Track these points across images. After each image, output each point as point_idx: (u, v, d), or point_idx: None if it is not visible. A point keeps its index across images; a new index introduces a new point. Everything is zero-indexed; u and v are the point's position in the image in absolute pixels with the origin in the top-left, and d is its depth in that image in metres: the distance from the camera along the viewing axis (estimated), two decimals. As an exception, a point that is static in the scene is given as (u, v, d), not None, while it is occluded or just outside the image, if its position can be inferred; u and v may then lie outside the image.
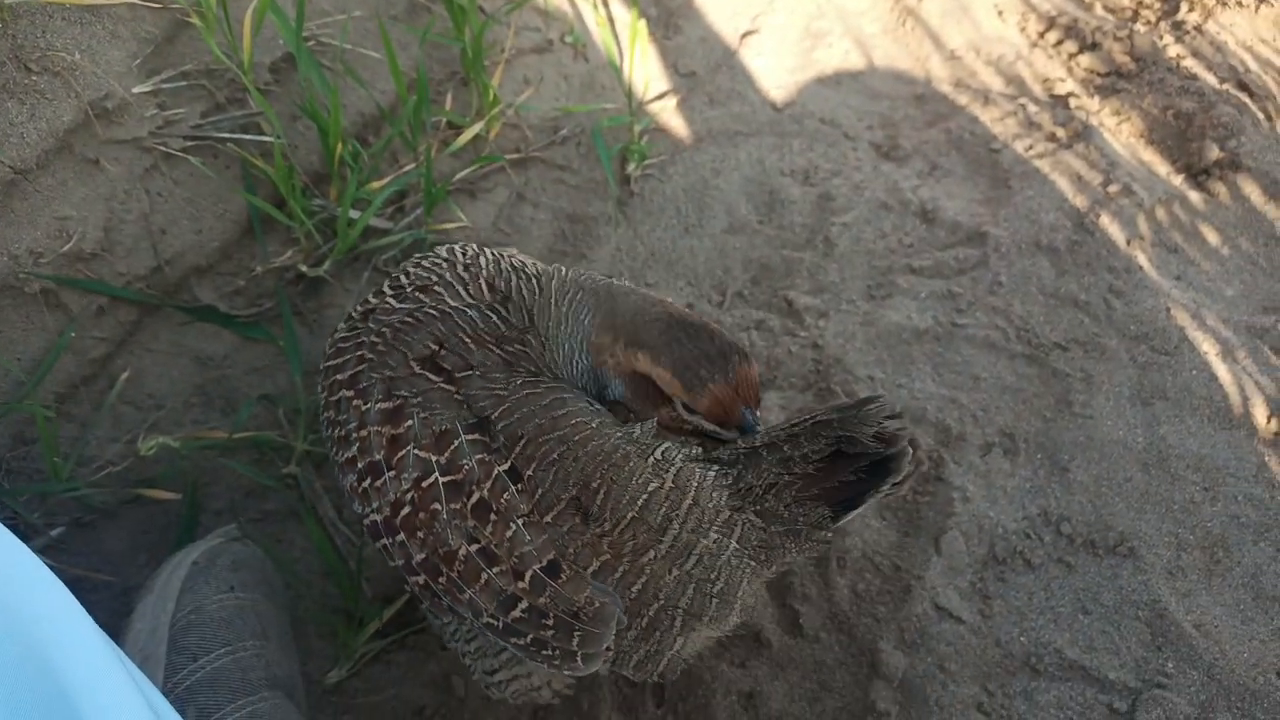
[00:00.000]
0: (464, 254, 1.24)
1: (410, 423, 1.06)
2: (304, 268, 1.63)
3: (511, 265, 1.23)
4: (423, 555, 1.05)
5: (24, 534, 1.38)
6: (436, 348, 1.11)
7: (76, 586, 1.30)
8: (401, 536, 1.06)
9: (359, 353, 1.14)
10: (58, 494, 1.40)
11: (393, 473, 1.05)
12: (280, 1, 1.60)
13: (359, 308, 1.21)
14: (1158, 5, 2.21)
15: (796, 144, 1.99)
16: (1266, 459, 1.56)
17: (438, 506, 1.03)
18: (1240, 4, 2.18)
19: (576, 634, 1.02)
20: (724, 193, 1.91)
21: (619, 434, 1.07)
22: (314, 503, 1.50)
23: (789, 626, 1.44)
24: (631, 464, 1.05)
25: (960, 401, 1.62)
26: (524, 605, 1.02)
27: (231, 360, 1.58)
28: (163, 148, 1.50)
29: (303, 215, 1.58)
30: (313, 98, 1.56)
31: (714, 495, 1.05)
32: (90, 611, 0.87)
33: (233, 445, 1.48)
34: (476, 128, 1.82)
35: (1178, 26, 2.16)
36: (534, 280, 1.21)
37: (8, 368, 1.38)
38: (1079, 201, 1.86)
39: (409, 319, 1.14)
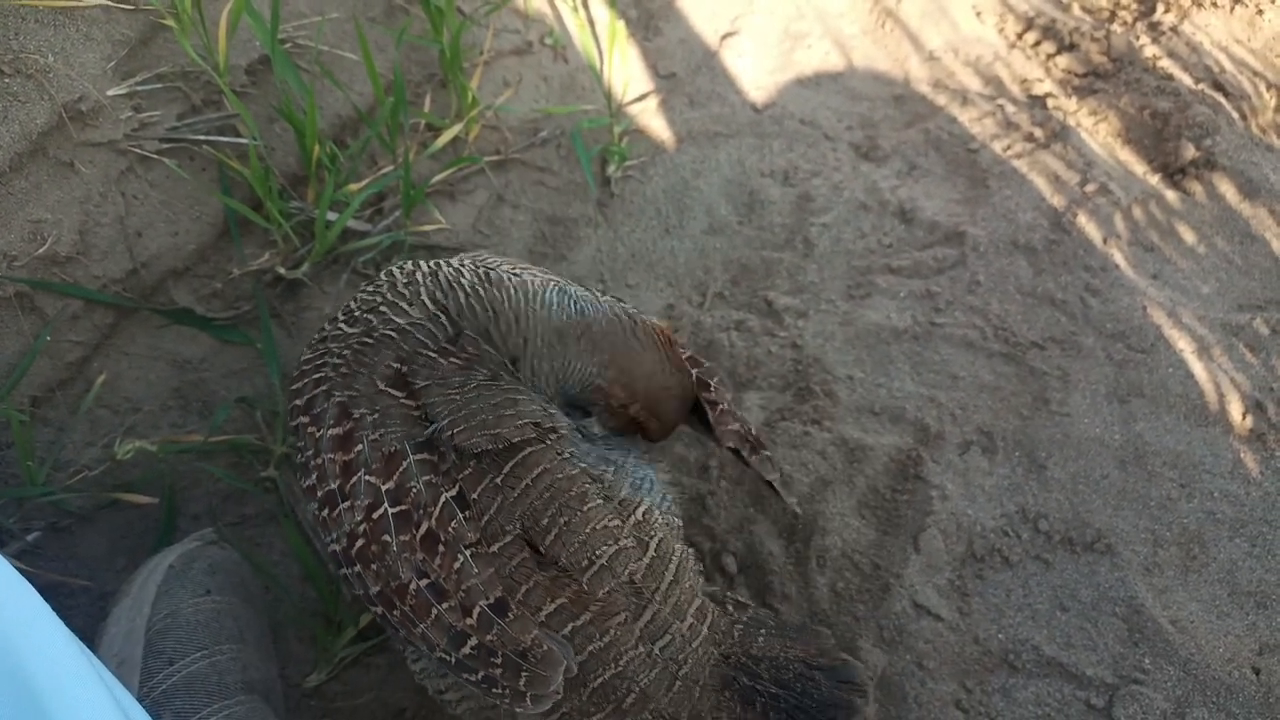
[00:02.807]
0: (401, 273, 1.20)
1: (360, 447, 1.03)
2: (282, 270, 1.62)
3: (453, 280, 1.17)
4: (378, 588, 1.03)
5: (-2, 539, 1.37)
6: (399, 366, 1.09)
7: (53, 591, 1.30)
8: (358, 568, 1.04)
9: (316, 376, 1.11)
10: (33, 499, 1.39)
11: (347, 503, 1.03)
12: (256, 3, 1.60)
13: (317, 335, 1.19)
14: (1134, 6, 2.22)
15: (776, 145, 2.00)
16: (1242, 455, 1.58)
17: (388, 538, 1.01)
18: (1215, 4, 2.20)
19: (524, 674, 0.99)
20: (704, 194, 1.92)
21: (579, 464, 1.06)
22: (292, 506, 1.49)
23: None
24: (591, 508, 1.04)
25: (938, 400, 1.63)
26: (473, 642, 1.00)
27: (209, 363, 1.57)
28: (138, 150, 1.49)
29: (280, 218, 1.58)
30: (289, 100, 1.56)
31: (692, 576, 1.06)
32: (67, 616, 0.87)
33: (210, 449, 1.48)
34: (455, 129, 1.82)
35: (1154, 27, 2.17)
36: (485, 294, 1.15)
37: (-19, 372, 1.37)
38: (1056, 201, 1.87)
39: (366, 339, 1.12)
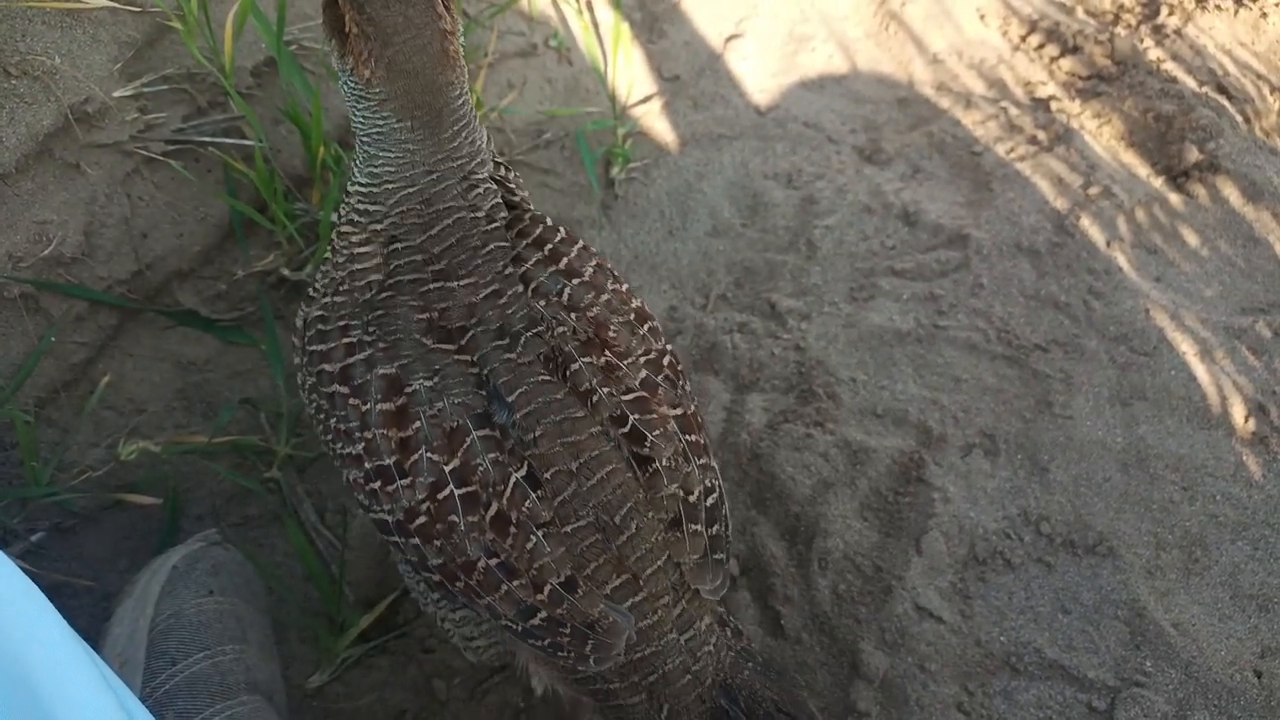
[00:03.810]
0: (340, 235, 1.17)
1: (418, 424, 1.01)
2: (286, 271, 1.63)
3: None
4: (439, 561, 1.03)
5: (3, 539, 1.38)
6: (427, 315, 1.06)
7: (57, 592, 1.30)
8: (416, 541, 1.04)
9: (346, 341, 1.07)
10: (38, 499, 1.39)
11: (406, 480, 1.02)
12: (261, 5, 1.60)
13: (319, 290, 1.16)
14: (1138, 9, 2.23)
15: (780, 147, 2.00)
16: (1244, 458, 1.57)
17: (455, 519, 1.01)
18: (1219, 7, 2.20)
19: (590, 642, 1.03)
20: (707, 196, 1.92)
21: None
22: (296, 507, 1.50)
23: (770, 628, 1.44)
24: (654, 515, 1.06)
25: (941, 403, 1.63)
26: (543, 615, 1.02)
27: (213, 364, 1.58)
28: (144, 152, 1.50)
29: (284, 219, 1.58)
30: (294, 101, 1.56)
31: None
32: (71, 617, 0.87)
33: (214, 449, 1.48)
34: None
35: (1158, 30, 2.17)
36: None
37: (-13, 372, 1.38)
38: (1060, 204, 1.87)
39: (370, 292, 1.09)
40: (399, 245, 1.11)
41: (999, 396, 1.64)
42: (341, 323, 1.09)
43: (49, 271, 1.42)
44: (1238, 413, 1.61)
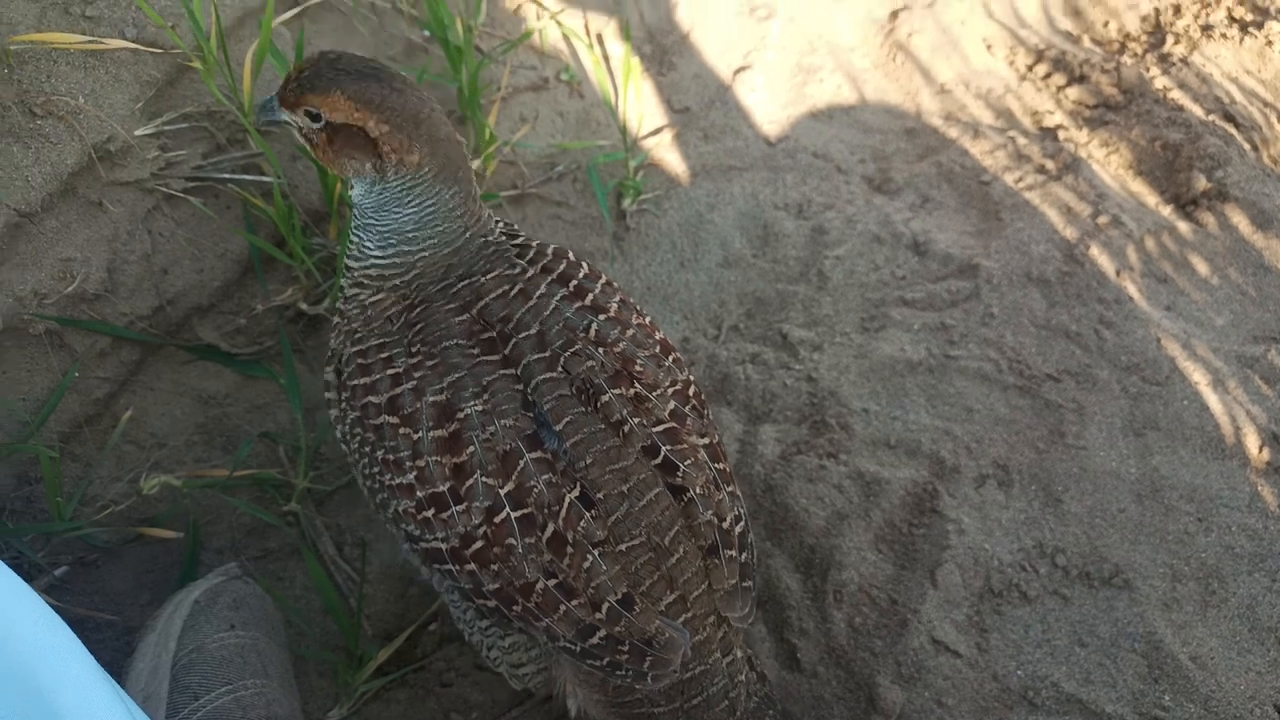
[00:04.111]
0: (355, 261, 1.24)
1: (472, 448, 1.03)
2: (304, 305, 1.64)
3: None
4: (496, 586, 1.05)
5: (27, 573, 1.39)
6: (468, 314, 1.11)
7: (80, 626, 1.31)
8: (472, 566, 1.05)
9: (390, 371, 1.10)
10: (61, 533, 1.41)
11: (461, 505, 1.04)
12: (279, 44, 1.63)
13: (346, 320, 1.19)
14: (1144, 38, 2.25)
15: (790, 178, 2.02)
16: (1260, 489, 1.58)
17: (512, 541, 1.03)
18: (1225, 36, 2.22)
19: (648, 658, 1.06)
20: (718, 227, 1.94)
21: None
22: (314, 540, 1.51)
23: (786, 661, 1.44)
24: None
25: (954, 433, 1.64)
26: (601, 634, 1.05)
27: (233, 398, 1.59)
28: (164, 189, 1.52)
29: (302, 254, 1.60)
30: (313, 139, 1.58)
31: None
32: (94, 651, 0.89)
33: (234, 483, 1.50)
34: (473, 165, 1.84)
35: (1164, 59, 2.19)
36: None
37: (12, 408, 1.39)
38: (1069, 233, 1.88)
39: (408, 307, 1.14)
40: (421, 282, 1.16)
41: (1012, 427, 1.65)
42: (384, 354, 1.11)
43: (73, 308, 1.44)
44: (1251, 443, 1.62)
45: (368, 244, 1.19)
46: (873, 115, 2.15)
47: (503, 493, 1.03)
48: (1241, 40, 2.22)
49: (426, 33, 1.87)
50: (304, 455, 1.53)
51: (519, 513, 1.02)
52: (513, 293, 1.13)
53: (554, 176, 1.95)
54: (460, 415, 1.04)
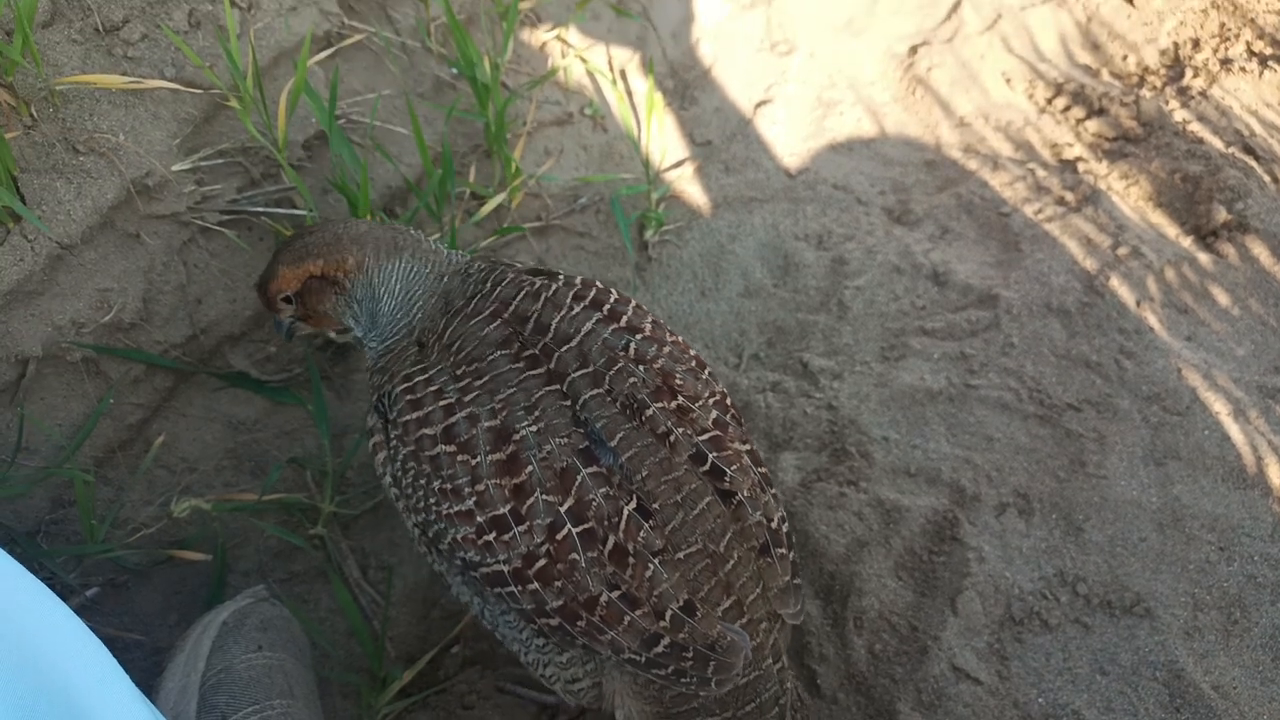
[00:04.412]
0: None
1: (530, 469, 1.07)
2: (332, 334, 1.68)
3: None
4: (559, 603, 1.08)
5: (60, 594, 1.42)
6: (501, 317, 1.18)
7: (109, 645, 1.34)
8: (535, 585, 1.08)
9: (442, 403, 1.13)
10: (93, 555, 1.44)
11: (523, 525, 1.07)
12: (313, 83, 1.69)
13: (383, 372, 1.26)
14: (1163, 71, 2.26)
15: (810, 209, 2.04)
16: (1282, 518, 1.57)
17: (575, 556, 1.06)
18: (1244, 70, 2.23)
19: (712, 663, 1.09)
20: (739, 257, 1.96)
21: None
22: (340, 563, 1.54)
23: (806, 687, 1.45)
24: (749, 546, 1.14)
25: (974, 462, 1.64)
26: (666, 641, 1.07)
27: (262, 424, 1.63)
28: (200, 222, 1.57)
29: (332, 284, 1.64)
30: (343, 172, 1.63)
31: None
32: (124, 671, 0.91)
33: (262, 507, 1.53)
34: (499, 198, 1.88)
35: (1183, 92, 2.21)
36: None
37: (49, 433, 1.44)
38: (1089, 264, 1.89)
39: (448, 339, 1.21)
40: (425, 325, 1.27)
41: (1032, 456, 1.65)
42: (432, 386, 1.16)
43: (109, 337, 1.48)
44: (1273, 473, 1.61)
45: (381, 339, 1.31)
46: (892, 148, 2.18)
47: (563, 509, 1.06)
48: (1260, 74, 2.23)
49: (455, 70, 1.93)
50: (330, 480, 1.56)
51: (580, 528, 1.06)
52: (541, 298, 1.18)
53: (578, 208, 1.99)
54: (516, 437, 1.08)
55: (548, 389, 1.11)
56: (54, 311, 1.42)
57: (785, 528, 1.18)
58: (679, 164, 2.13)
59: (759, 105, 2.24)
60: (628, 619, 1.06)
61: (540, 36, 2.14)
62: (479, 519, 1.09)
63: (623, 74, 2.18)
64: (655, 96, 2.04)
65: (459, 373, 1.15)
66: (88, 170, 1.45)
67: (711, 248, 1.98)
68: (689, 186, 2.09)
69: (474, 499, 1.09)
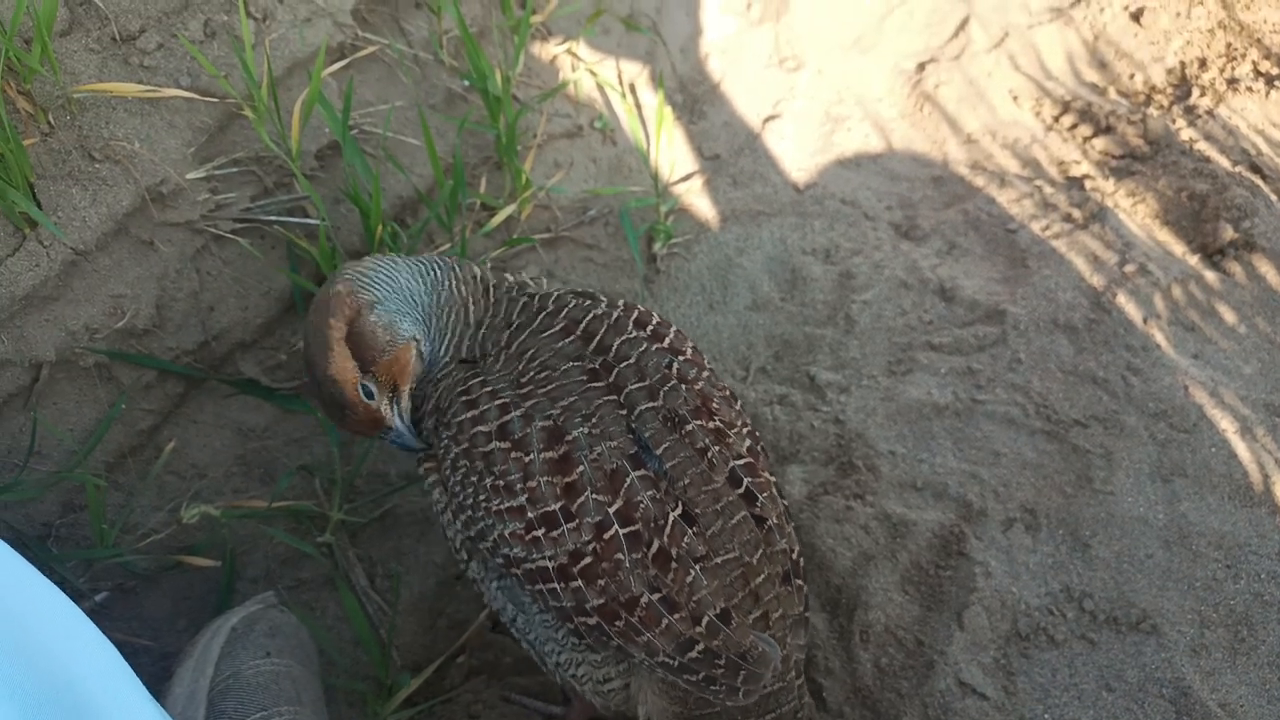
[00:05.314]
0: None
1: (581, 468, 1.10)
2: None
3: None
4: (600, 601, 1.10)
5: (69, 598, 1.43)
6: (572, 336, 1.20)
7: (118, 650, 1.35)
8: (579, 583, 1.10)
9: (497, 401, 1.17)
10: (103, 560, 1.45)
11: (572, 523, 1.09)
12: (327, 93, 1.70)
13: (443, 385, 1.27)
14: (1170, 90, 2.27)
15: (818, 224, 2.05)
16: (1289, 536, 1.57)
17: (620, 556, 1.08)
18: (1250, 89, 2.24)
19: (742, 673, 1.11)
20: (747, 271, 1.97)
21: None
22: (348, 571, 1.54)
23: (813, 700, 1.45)
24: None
25: (981, 477, 1.64)
26: (700, 647, 1.10)
27: (272, 431, 1.64)
28: (213, 230, 1.58)
29: (343, 293, 1.65)
30: (355, 182, 1.64)
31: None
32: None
33: (271, 514, 1.53)
34: (509, 209, 1.90)
35: (1190, 110, 2.22)
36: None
37: (61, 438, 1.44)
38: (1096, 281, 1.90)
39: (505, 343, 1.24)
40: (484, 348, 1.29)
41: (1039, 471, 1.65)
42: (487, 388, 1.19)
43: (122, 342, 1.49)
44: (1280, 490, 1.61)
45: (450, 346, 1.31)
46: (900, 163, 2.19)
47: (611, 510, 1.09)
48: (1267, 94, 2.24)
49: (466, 83, 1.94)
50: (339, 488, 1.56)
51: (626, 529, 1.08)
52: (605, 321, 1.22)
53: (586, 220, 2.00)
54: (569, 437, 1.11)
55: (606, 399, 1.15)
56: (68, 317, 1.43)
57: (802, 562, 1.21)
58: (687, 177, 2.14)
59: (767, 120, 2.26)
60: (665, 622, 1.08)
61: (551, 50, 2.15)
62: (529, 514, 1.11)
63: (632, 88, 2.20)
64: (665, 110, 2.06)
65: (523, 380, 1.18)
66: (103, 177, 1.46)
67: (719, 261, 1.99)
68: (697, 200, 2.10)
69: (525, 495, 1.12)
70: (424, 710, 1.45)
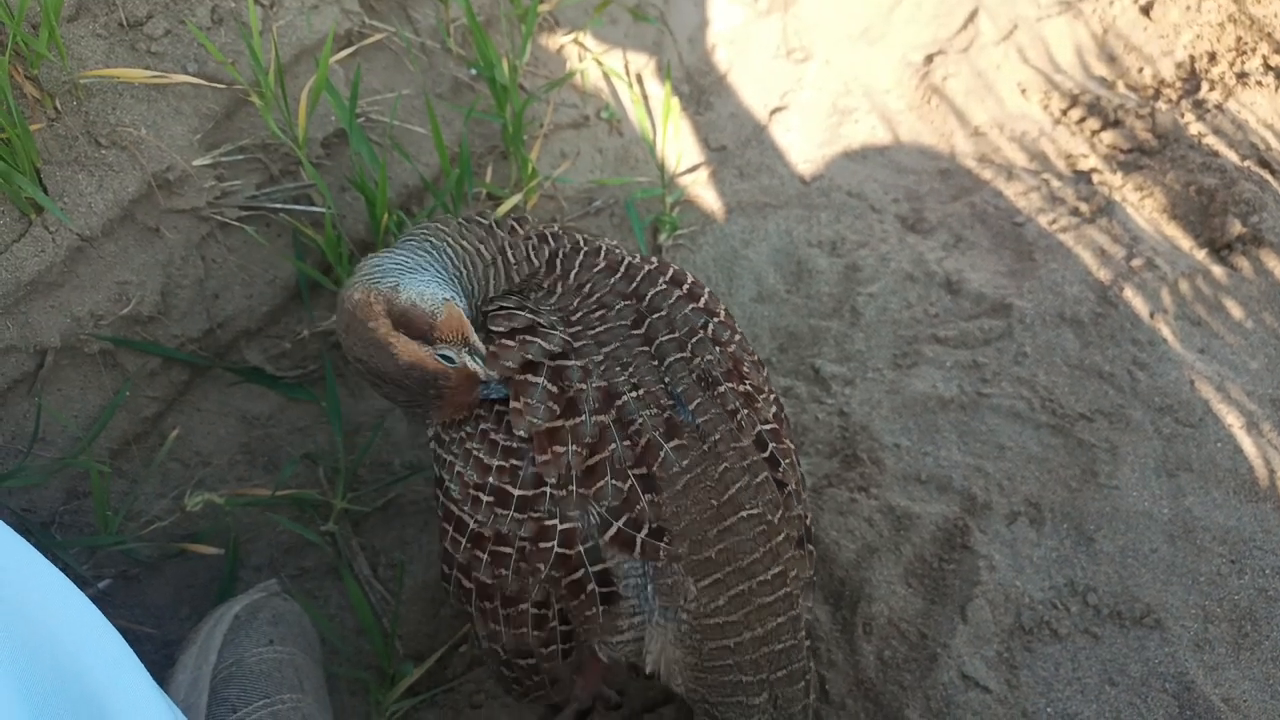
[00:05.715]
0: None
1: (613, 445, 1.12)
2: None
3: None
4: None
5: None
6: (616, 275, 1.23)
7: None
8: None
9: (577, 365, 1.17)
10: (106, 547, 1.45)
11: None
12: (334, 81, 1.69)
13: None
14: (1179, 84, 2.26)
15: (824, 216, 2.05)
16: (1294, 533, 1.57)
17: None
18: (1260, 84, 2.23)
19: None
20: (753, 263, 1.97)
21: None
22: (351, 560, 1.54)
23: (815, 692, 1.45)
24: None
25: (986, 470, 1.64)
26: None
27: (276, 420, 1.64)
28: (219, 217, 1.58)
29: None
30: (362, 171, 1.64)
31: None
32: (133, 663, 0.92)
33: (275, 502, 1.53)
34: (515, 199, 1.89)
35: (1199, 105, 2.21)
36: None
37: (65, 424, 1.44)
38: (1102, 275, 1.89)
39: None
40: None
41: (1044, 465, 1.65)
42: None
43: (127, 329, 1.49)
44: (1286, 486, 1.61)
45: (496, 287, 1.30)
46: (907, 156, 2.18)
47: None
48: (1276, 88, 2.23)
49: (474, 71, 1.94)
50: (342, 476, 1.56)
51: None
52: (642, 270, 1.24)
53: (592, 211, 2.00)
54: (619, 402, 1.13)
55: (641, 349, 1.17)
56: (73, 303, 1.43)
57: (814, 530, 1.26)
58: (694, 169, 2.14)
59: (774, 112, 2.25)
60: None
61: (558, 40, 2.15)
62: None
63: (639, 78, 2.19)
64: (671, 101, 2.05)
65: (574, 318, 1.20)
66: (109, 163, 1.46)
67: (725, 252, 1.99)
68: (703, 191, 2.10)
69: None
70: (426, 699, 1.45)
